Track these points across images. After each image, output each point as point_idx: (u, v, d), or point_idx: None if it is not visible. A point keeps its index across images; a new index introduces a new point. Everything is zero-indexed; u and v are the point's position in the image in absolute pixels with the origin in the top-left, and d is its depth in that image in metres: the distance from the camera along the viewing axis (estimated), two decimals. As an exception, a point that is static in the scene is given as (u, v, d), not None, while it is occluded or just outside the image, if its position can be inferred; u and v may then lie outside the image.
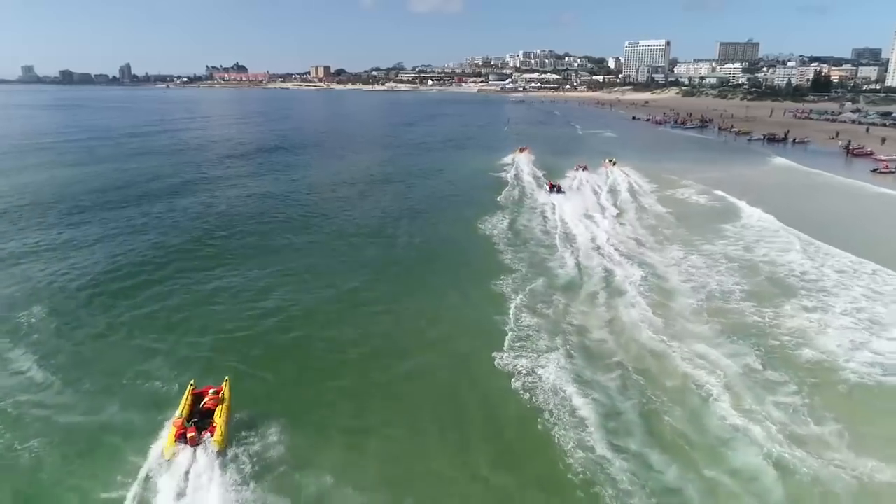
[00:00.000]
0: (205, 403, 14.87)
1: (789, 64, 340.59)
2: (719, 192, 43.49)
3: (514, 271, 25.99)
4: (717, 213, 37.99)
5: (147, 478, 12.65)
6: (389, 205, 40.86)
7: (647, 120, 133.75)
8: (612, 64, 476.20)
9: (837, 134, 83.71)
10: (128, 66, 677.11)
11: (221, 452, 13.36)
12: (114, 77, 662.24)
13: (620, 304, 22.52)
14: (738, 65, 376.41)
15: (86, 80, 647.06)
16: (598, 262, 27.26)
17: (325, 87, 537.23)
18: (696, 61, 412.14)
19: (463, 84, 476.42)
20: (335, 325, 20.90)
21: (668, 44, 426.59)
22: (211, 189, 45.63)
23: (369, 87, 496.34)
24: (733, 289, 24.08)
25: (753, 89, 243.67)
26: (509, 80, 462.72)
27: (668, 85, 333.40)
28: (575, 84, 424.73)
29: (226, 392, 15.43)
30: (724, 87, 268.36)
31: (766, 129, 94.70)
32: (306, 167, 58.42)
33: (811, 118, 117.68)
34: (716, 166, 57.45)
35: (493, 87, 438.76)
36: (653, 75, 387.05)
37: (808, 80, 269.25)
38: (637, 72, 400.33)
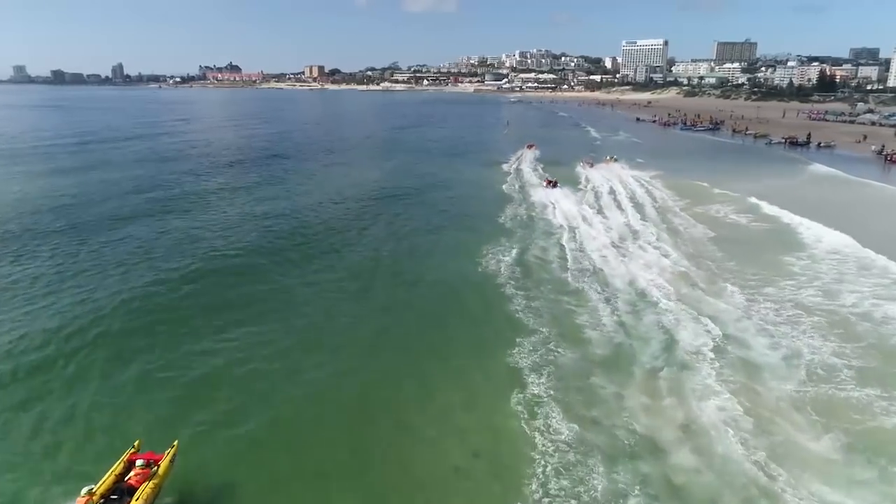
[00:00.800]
0: (129, 479, 11.89)
1: (790, 64, 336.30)
2: (765, 209, 37.09)
3: (530, 332, 19.61)
4: (771, 237, 31.54)
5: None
6: (382, 232, 33.94)
7: (654, 121, 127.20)
8: (608, 64, 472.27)
9: (865, 137, 77.49)
10: (120, 66, 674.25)
11: None
12: (106, 77, 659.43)
13: (690, 390, 16.10)
14: (737, 64, 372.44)
15: (78, 79, 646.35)
16: (651, 320, 20.76)
17: (320, 87, 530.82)
18: (693, 61, 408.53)
19: (459, 84, 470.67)
20: (311, 439, 14.57)
21: (666, 43, 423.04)
22: (169, 212, 38.45)
23: (364, 87, 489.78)
24: (834, 362, 17.67)
25: (756, 89, 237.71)
26: (505, 79, 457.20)
27: (667, 85, 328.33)
28: (572, 84, 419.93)
29: (164, 464, 12.26)
30: (727, 88, 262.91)
31: (783, 131, 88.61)
32: (288, 182, 51.50)
33: (826, 120, 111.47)
34: (745, 174, 51.07)
35: (489, 87, 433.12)
36: (651, 75, 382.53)
37: (809, 80, 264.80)
38: (636, 72, 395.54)
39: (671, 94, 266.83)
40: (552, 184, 44.80)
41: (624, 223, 34.73)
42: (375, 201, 42.49)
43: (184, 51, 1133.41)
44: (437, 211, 39.68)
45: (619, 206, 39.59)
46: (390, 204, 41.54)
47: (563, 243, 30.43)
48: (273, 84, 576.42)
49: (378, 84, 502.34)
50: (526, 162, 59.56)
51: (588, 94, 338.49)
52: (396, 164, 62.63)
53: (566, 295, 23.27)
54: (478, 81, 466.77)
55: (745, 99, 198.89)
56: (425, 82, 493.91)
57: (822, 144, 75.19)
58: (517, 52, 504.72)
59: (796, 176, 53.22)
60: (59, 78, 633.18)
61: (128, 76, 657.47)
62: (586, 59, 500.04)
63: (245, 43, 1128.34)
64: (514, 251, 28.76)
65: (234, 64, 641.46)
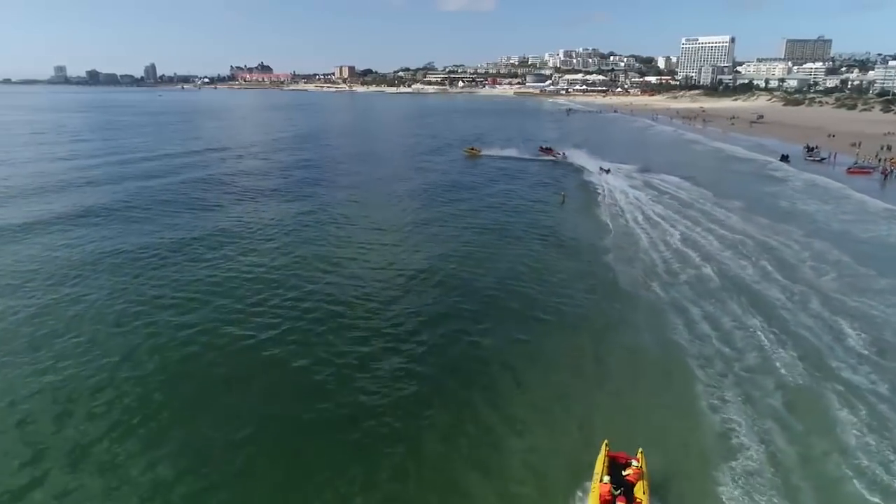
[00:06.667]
0: (628, 475, 13.54)
1: (891, 63, 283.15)
2: None
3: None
4: None
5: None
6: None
7: (820, 159, 77.62)
8: (661, 63, 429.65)
9: None
10: (152, 67, 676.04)
11: None
12: (140, 77, 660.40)
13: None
14: (819, 64, 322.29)
15: (111, 80, 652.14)
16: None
17: (348, 88, 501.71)
18: (759, 60, 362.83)
19: (497, 86, 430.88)
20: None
21: (732, 40, 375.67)
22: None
23: (394, 89, 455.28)
24: None
25: (885, 97, 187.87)
26: (549, 81, 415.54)
27: (742, 89, 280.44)
28: (626, 86, 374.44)
29: (644, 466, 13.78)
30: (844, 94, 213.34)
31: None
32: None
33: None
34: None
35: (531, 90, 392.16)
36: (719, 76, 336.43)
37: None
38: (700, 72, 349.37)
39: (761, 101, 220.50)
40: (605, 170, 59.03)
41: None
42: None
43: (220, 51, 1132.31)
44: None
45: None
46: None
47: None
48: (301, 85, 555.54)
49: (409, 86, 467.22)
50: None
51: (648, 98, 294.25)
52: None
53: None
54: (518, 83, 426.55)
55: (883, 111, 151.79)
56: (460, 83, 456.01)
57: None
58: (561, 52, 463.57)
59: None
60: (93, 79, 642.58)
61: (161, 77, 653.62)
62: (637, 58, 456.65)
63: (279, 44, 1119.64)
64: None
65: (265, 64, 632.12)
